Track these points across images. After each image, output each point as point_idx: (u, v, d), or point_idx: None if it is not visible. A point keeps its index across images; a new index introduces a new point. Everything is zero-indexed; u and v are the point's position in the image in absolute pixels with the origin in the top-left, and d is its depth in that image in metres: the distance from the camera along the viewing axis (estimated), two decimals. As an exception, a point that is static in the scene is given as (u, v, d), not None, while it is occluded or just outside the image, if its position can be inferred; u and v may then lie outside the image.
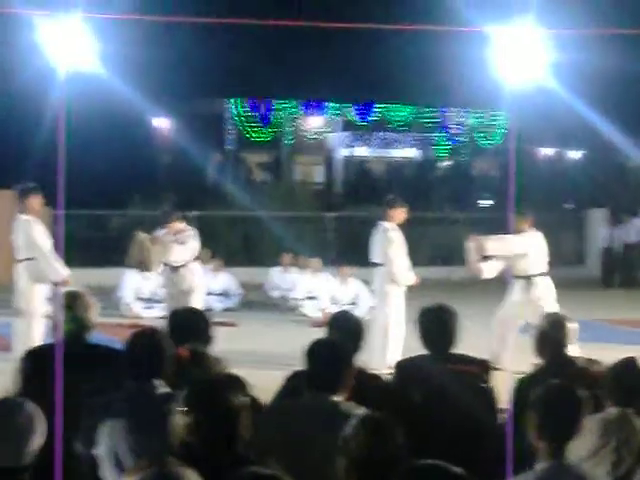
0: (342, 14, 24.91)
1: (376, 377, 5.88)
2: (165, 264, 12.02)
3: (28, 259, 10.85)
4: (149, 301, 16.25)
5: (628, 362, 5.23)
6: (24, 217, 10.92)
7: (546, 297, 11.49)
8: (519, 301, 11.51)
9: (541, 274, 11.65)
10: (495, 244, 11.55)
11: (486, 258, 11.65)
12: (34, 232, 10.82)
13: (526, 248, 11.57)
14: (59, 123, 5.64)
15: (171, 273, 11.97)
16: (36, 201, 10.98)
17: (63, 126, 5.44)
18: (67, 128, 5.81)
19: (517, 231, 11.71)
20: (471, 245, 11.60)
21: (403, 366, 6.05)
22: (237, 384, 5.49)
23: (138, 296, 16.76)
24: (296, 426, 4.48)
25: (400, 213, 11.91)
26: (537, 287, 11.54)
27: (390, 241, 11.74)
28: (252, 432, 4.47)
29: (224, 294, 18.24)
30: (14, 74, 26.04)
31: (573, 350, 10.26)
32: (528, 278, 11.57)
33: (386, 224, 11.89)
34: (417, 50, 33.73)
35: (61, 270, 10.75)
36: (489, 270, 11.75)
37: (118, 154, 33.81)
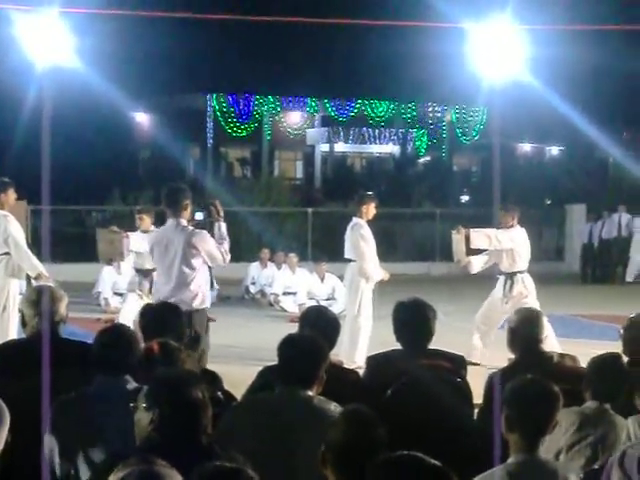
0: (321, 10, 24.92)
1: (349, 372, 5.87)
2: (136, 269, 11.96)
3: (4, 254, 10.80)
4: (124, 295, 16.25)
5: (608, 357, 5.24)
6: (0, 212, 10.87)
7: (529, 293, 11.53)
8: (502, 297, 11.53)
9: (522, 271, 11.68)
10: (482, 238, 11.57)
11: (474, 252, 11.67)
12: (10, 227, 10.78)
13: (512, 244, 11.60)
14: (44, 119, 5.63)
15: (142, 277, 11.92)
16: (11, 196, 10.95)
17: (48, 122, 5.43)
18: (42, 124, 5.80)
19: (503, 226, 11.75)
20: (458, 237, 11.61)
21: (376, 361, 6.03)
22: (211, 379, 5.50)
23: (115, 291, 16.74)
24: (268, 420, 4.47)
25: (371, 209, 11.90)
26: (519, 284, 11.57)
27: (360, 237, 11.74)
28: (223, 426, 4.48)
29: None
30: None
31: (552, 345, 10.36)
32: (511, 275, 11.60)
33: (357, 220, 11.90)
34: (396, 46, 33.72)
35: (37, 264, 10.72)
36: (477, 264, 11.77)
37: (98, 149, 33.74)
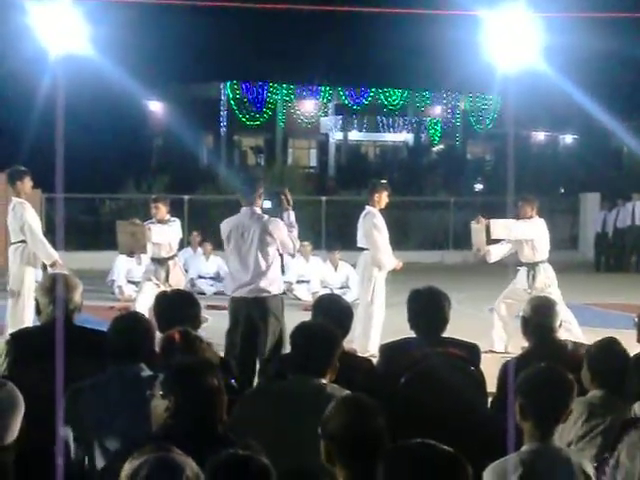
0: (335, -2, 24.89)
1: (362, 360, 5.88)
2: (152, 258, 12.00)
3: (20, 242, 10.86)
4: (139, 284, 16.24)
5: (606, 344, 5.22)
6: (17, 200, 10.94)
7: (552, 283, 11.54)
8: (524, 288, 11.52)
9: (544, 261, 11.68)
10: (501, 228, 11.55)
11: (492, 242, 11.66)
12: (26, 215, 10.84)
13: (532, 234, 11.60)
14: (58, 108, 5.63)
15: (158, 266, 11.94)
16: (28, 184, 11.02)
17: (62, 111, 5.43)
18: (56, 112, 5.80)
19: (522, 217, 11.74)
20: (477, 226, 11.60)
21: (389, 349, 6.03)
22: (224, 366, 5.51)
23: (129, 279, 16.76)
24: (281, 408, 4.47)
25: (384, 197, 11.89)
26: (542, 274, 11.57)
27: (373, 225, 11.74)
28: (237, 414, 4.49)
29: (215, 277, 18.26)
30: (5, 57, 25.97)
31: (576, 334, 10.35)
32: (533, 265, 11.59)
33: (369, 208, 11.89)
34: (410, 34, 33.68)
35: (52, 252, 10.77)
36: (496, 253, 11.76)
37: (111, 137, 33.74)
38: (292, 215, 9.05)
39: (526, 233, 11.58)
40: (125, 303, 15.20)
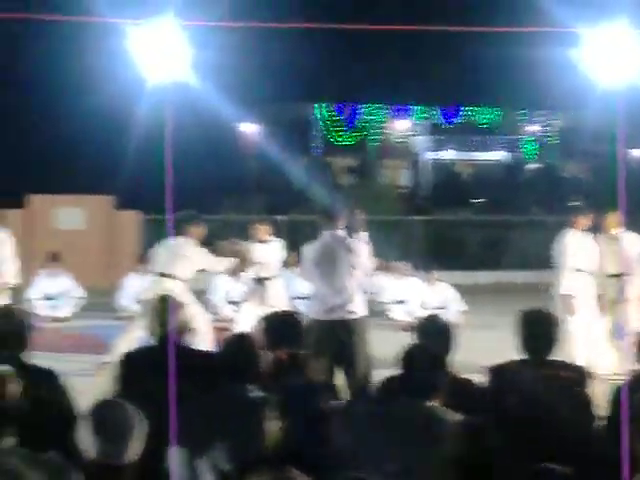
0: (428, 17, 24.85)
1: (470, 382, 5.83)
2: (253, 278, 12.11)
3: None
4: (239, 304, 16.29)
5: None
6: (183, 239, 11.29)
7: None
8: (611, 300, 11.38)
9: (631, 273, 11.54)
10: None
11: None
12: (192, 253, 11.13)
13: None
14: (166, 133, 5.70)
15: (259, 285, 12.05)
16: (197, 230, 11.24)
17: (170, 137, 5.51)
18: (158, 135, 5.88)
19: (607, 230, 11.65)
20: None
21: (497, 371, 5.98)
22: (330, 388, 5.52)
23: (229, 299, 16.84)
24: (392, 431, 4.46)
25: (584, 219, 11.77)
26: (631, 286, 11.42)
27: (564, 246, 11.65)
28: (347, 436, 4.48)
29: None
30: (104, 82, 26.44)
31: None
32: (621, 276, 11.45)
33: (569, 229, 11.81)
34: (505, 52, 33.44)
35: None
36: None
37: (208, 159, 34.13)
38: (364, 237, 9.08)
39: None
40: (224, 323, 15.29)
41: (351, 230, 9.20)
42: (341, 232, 8.90)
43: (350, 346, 8.60)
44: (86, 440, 3.69)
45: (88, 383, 6.81)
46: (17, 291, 14.07)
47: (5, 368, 4.16)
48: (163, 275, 11.10)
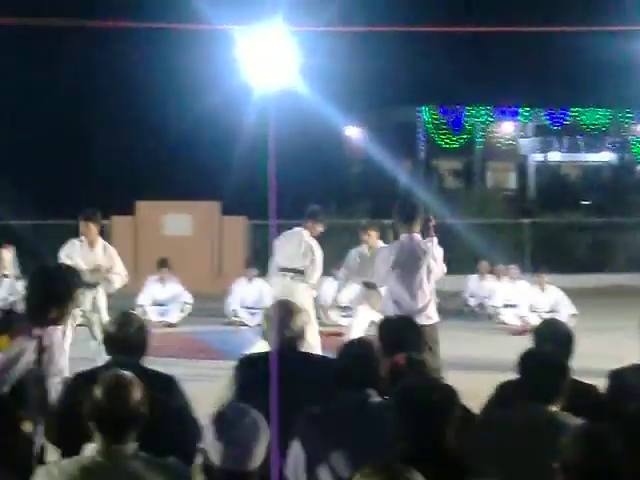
0: (533, 17, 24.58)
1: (590, 387, 5.73)
2: (363, 282, 12.10)
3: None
4: (347, 309, 16.30)
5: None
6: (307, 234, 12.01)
7: None
8: None
9: None
10: None
11: None
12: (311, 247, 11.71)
13: None
14: (270, 138, 5.73)
15: (369, 290, 12.05)
16: (317, 228, 12.15)
17: (274, 141, 5.54)
18: (265, 140, 5.91)
19: None
20: None
21: (617, 375, 5.86)
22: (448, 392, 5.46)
23: (336, 304, 16.85)
24: (512, 437, 4.40)
25: None
26: None
27: None
28: (466, 442, 4.43)
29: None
30: (213, 89, 26.74)
31: None
32: None
33: None
34: (612, 52, 32.87)
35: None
36: None
37: (313, 164, 34.29)
38: (435, 241, 8.99)
39: None
40: (332, 329, 15.29)
41: (425, 234, 9.13)
42: (417, 235, 8.82)
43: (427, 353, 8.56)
44: (209, 445, 3.70)
45: (201, 388, 6.86)
46: (128, 297, 14.31)
47: (128, 373, 4.20)
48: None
